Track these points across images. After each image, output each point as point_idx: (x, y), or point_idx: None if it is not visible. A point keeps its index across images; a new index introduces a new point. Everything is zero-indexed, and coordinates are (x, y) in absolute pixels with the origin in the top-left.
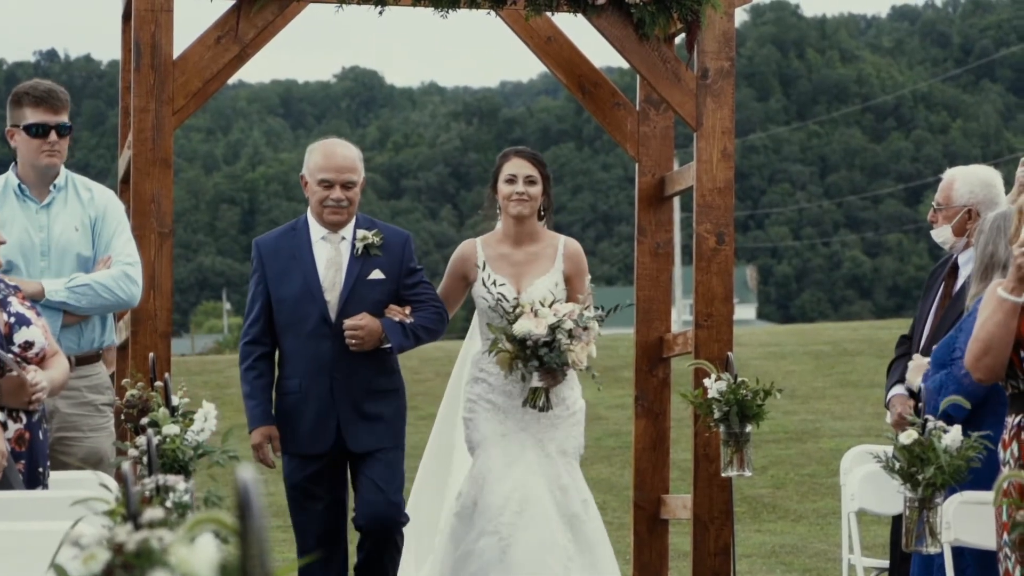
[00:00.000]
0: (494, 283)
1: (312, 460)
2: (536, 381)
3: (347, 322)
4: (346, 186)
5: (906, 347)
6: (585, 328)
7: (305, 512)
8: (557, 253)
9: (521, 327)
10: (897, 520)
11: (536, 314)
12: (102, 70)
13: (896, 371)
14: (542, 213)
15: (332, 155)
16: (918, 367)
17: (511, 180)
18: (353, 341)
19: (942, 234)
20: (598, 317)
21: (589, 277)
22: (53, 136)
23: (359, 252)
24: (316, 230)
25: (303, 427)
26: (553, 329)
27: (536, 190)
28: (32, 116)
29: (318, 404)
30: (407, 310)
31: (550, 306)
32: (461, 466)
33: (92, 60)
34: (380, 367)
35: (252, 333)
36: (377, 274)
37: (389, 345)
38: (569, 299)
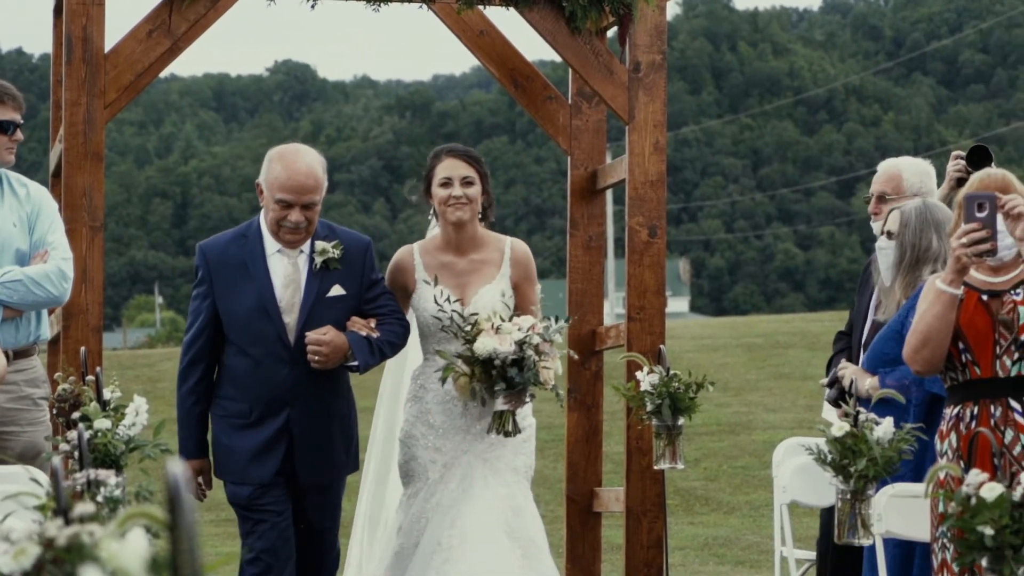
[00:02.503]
0: (447, 300)
1: (254, 486)
2: (501, 404)
3: (310, 336)
4: (307, 207)
5: (845, 343)
6: (550, 342)
7: (255, 530)
8: (504, 258)
9: (484, 346)
10: (826, 513)
11: (497, 330)
12: (34, 64)
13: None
14: (483, 214)
15: (294, 171)
16: (858, 372)
17: (446, 183)
18: (316, 358)
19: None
20: (562, 328)
21: (539, 287)
22: (18, 134)
23: (317, 267)
24: (271, 242)
25: (246, 455)
26: (521, 345)
27: (475, 191)
28: (1, 113)
29: (269, 433)
30: (372, 323)
31: (509, 320)
32: (395, 497)
33: (24, 54)
34: (338, 390)
35: (194, 351)
36: (337, 290)
37: (355, 363)
38: (518, 307)
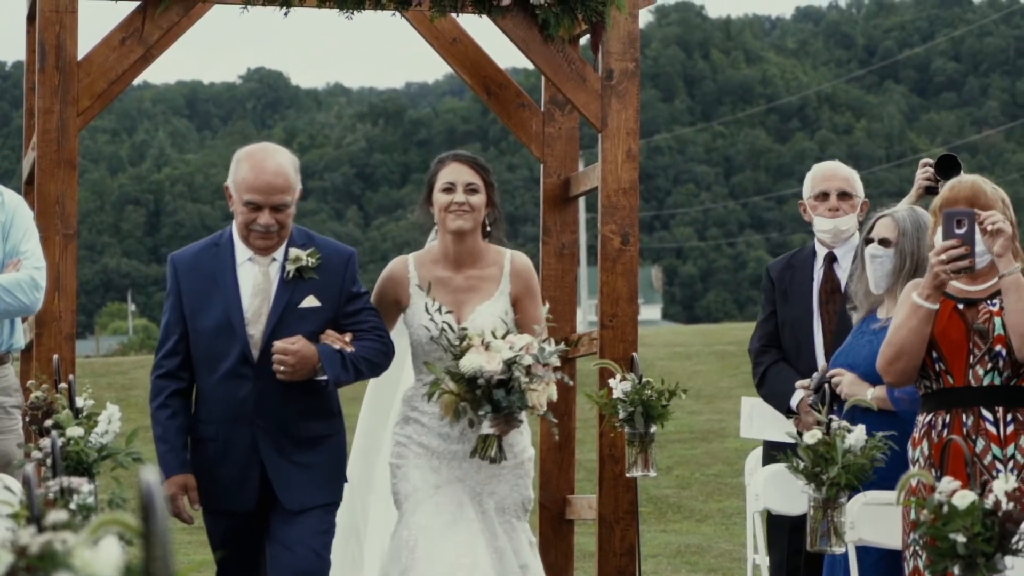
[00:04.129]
0: (439, 310)
1: (237, 516)
2: (487, 428)
3: (277, 344)
4: (277, 209)
5: (776, 355)
6: (545, 364)
7: (232, 570)
8: (503, 272)
9: (470, 363)
10: (773, 519)
11: (487, 347)
12: (7, 71)
13: (778, 379)
14: (487, 228)
15: (261, 170)
16: (856, 381)
17: (448, 189)
18: (282, 368)
19: (848, 222)
20: (560, 351)
21: (547, 306)
22: None
23: (290, 275)
24: (242, 249)
25: (223, 481)
26: (509, 365)
27: (478, 200)
28: None
29: (240, 456)
30: (347, 337)
31: (503, 337)
32: (377, 509)
33: None
34: (312, 410)
35: (166, 366)
36: (311, 301)
37: (324, 378)
38: (519, 325)
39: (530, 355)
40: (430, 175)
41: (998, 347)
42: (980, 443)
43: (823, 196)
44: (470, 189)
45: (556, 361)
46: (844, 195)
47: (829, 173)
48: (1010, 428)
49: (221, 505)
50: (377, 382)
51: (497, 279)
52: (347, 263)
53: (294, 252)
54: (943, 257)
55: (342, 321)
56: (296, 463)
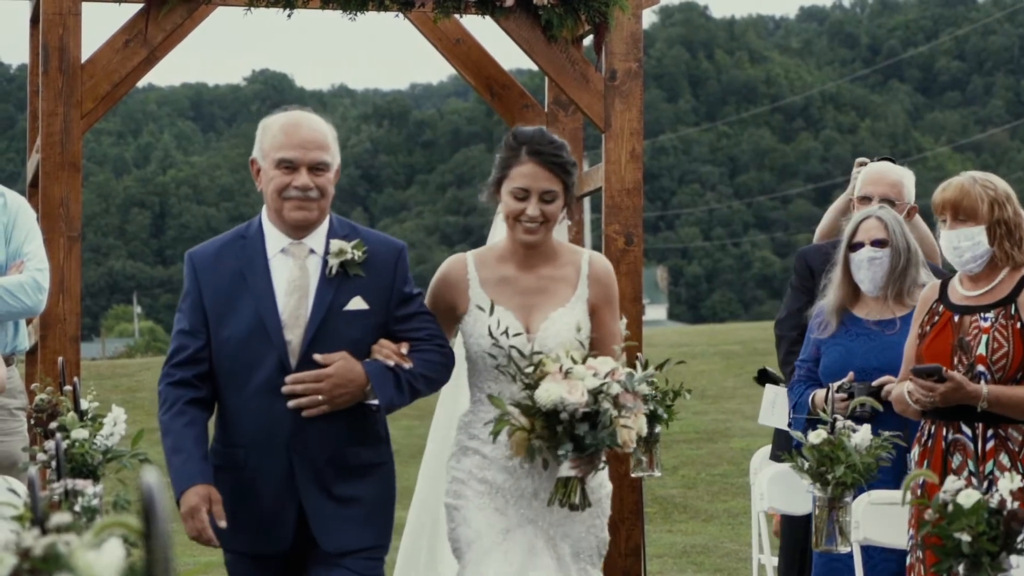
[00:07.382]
0: (505, 334)
1: (265, 560)
2: (567, 469)
3: (318, 365)
4: (316, 169)
5: None
6: (634, 394)
7: None
8: (580, 274)
9: (549, 394)
10: (787, 520)
11: (567, 374)
12: (11, 74)
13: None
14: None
15: (296, 127)
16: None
17: (521, 196)
18: (320, 397)
19: None
20: (650, 376)
21: (625, 321)
22: None
23: (333, 272)
24: (274, 238)
25: (251, 517)
26: (596, 396)
27: (554, 208)
28: None
29: (273, 487)
30: (404, 348)
31: (583, 362)
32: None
33: (1, 64)
34: (359, 433)
35: (178, 374)
36: (358, 303)
37: (375, 402)
38: (596, 340)
39: (617, 382)
40: (503, 163)
41: (980, 367)
42: (957, 459)
43: (865, 200)
44: (546, 197)
45: (646, 389)
46: (886, 201)
47: (876, 177)
48: (990, 444)
49: (244, 546)
50: (448, 397)
51: (573, 282)
52: (397, 259)
53: (337, 244)
54: (922, 400)
55: (393, 327)
56: (338, 498)
